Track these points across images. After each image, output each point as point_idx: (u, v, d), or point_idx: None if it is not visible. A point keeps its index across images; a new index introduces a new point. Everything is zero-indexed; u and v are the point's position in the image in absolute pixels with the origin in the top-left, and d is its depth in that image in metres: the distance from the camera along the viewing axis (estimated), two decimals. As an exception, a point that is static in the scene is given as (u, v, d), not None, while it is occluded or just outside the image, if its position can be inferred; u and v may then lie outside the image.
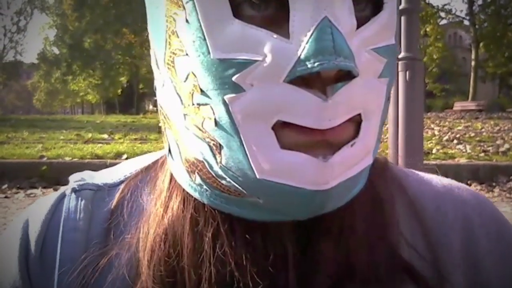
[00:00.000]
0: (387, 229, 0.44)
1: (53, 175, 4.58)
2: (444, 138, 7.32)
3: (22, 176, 4.67)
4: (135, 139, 7.38)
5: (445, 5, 31.43)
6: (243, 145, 0.35)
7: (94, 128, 9.39)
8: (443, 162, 5.03)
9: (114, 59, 28.68)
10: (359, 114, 0.36)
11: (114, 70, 28.68)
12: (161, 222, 0.43)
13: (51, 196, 0.50)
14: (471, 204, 0.49)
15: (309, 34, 0.32)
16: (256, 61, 0.33)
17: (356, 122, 0.36)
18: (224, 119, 0.35)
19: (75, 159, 5.12)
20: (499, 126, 9.87)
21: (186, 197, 0.43)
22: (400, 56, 2.38)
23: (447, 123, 10.96)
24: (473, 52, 23.51)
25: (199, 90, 0.36)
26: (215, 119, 0.35)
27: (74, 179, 0.50)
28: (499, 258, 0.47)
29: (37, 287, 0.45)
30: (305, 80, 0.33)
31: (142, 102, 36.12)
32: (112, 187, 0.49)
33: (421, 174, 0.53)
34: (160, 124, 0.45)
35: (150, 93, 30.78)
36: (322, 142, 0.34)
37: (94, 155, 5.35)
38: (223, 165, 0.37)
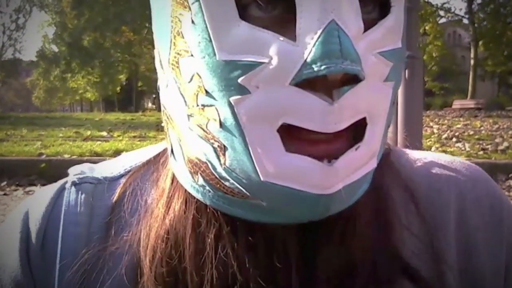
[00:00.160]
0: (391, 231, 0.44)
1: (52, 172, 4.56)
2: (443, 136, 7.34)
3: (21, 173, 4.66)
4: (134, 136, 7.39)
5: (444, 3, 31.63)
6: (247, 147, 0.35)
7: (93, 125, 9.38)
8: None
9: (113, 57, 28.62)
10: (364, 118, 0.35)
11: (113, 68, 28.62)
12: (163, 223, 0.43)
13: (50, 188, 0.49)
14: (464, 178, 0.49)
15: (316, 37, 0.32)
16: (262, 63, 0.33)
17: (361, 126, 0.36)
18: (229, 121, 0.35)
19: (74, 157, 5.11)
20: (498, 125, 9.89)
21: (188, 198, 0.42)
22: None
23: (446, 121, 10.99)
24: (472, 50, 23.53)
25: (204, 91, 0.35)
26: (220, 120, 0.35)
27: (74, 172, 0.49)
28: (491, 235, 0.47)
29: (38, 280, 0.45)
30: (311, 83, 0.33)
31: (141, 100, 36.04)
32: (112, 181, 0.49)
33: (415, 152, 0.52)
34: (162, 124, 0.45)
35: (149, 91, 30.81)
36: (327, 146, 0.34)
37: (93, 153, 5.35)
38: (227, 167, 0.37)
